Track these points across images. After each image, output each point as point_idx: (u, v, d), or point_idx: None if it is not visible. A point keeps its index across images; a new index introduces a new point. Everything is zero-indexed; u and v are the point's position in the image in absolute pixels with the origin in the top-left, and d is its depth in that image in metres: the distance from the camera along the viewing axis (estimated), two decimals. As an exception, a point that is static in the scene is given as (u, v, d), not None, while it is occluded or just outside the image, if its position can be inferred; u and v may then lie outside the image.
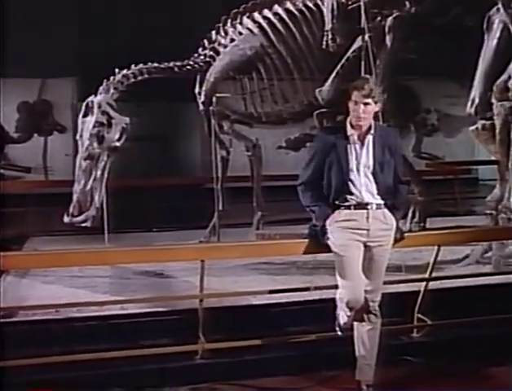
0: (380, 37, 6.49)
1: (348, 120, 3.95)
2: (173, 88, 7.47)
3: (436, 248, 4.58)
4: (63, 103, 12.06)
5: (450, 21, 6.79)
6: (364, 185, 3.92)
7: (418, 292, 4.75)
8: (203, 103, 6.76)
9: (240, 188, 7.40)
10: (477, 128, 5.99)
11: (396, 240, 4.07)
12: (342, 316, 4.05)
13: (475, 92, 5.96)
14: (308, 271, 5.75)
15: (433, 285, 4.86)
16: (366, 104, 3.85)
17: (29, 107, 11.83)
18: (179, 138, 12.48)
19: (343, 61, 6.38)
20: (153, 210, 8.68)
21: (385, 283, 4.09)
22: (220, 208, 7.10)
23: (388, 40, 6.49)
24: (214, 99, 6.60)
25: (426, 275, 4.73)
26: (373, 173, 3.92)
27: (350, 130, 3.94)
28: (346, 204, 3.91)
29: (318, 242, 4.04)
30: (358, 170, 3.92)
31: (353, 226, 3.91)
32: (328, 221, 3.94)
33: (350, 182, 3.90)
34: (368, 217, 3.90)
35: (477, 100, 5.93)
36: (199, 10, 11.30)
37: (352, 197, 3.92)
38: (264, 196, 7.33)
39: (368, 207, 3.91)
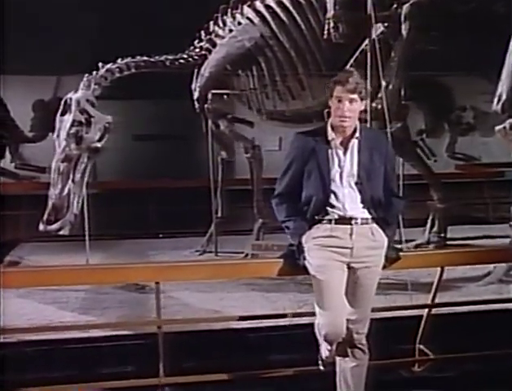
0: (396, 27, 5.95)
1: (329, 121, 3.39)
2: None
3: (439, 270, 3.90)
4: (78, 101, 11.70)
5: (476, 8, 6.18)
6: (347, 196, 3.36)
7: (421, 316, 4.09)
8: (197, 100, 6.21)
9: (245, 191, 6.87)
10: (504, 127, 5.37)
11: (389, 260, 3.49)
12: (324, 349, 3.48)
13: (502, 87, 5.37)
14: (306, 288, 5.13)
15: (440, 309, 4.19)
16: (351, 101, 3.31)
17: (44, 105, 11.47)
18: (196, 139, 12.00)
19: (357, 54, 5.77)
20: (157, 214, 8.20)
21: (373, 310, 3.46)
22: (219, 214, 6.59)
23: (404, 29, 5.92)
24: (209, 96, 6.05)
25: (429, 299, 4.05)
26: (359, 183, 3.34)
27: (331, 134, 3.37)
28: (327, 218, 3.34)
29: (294, 262, 3.47)
30: (341, 179, 3.36)
31: (334, 244, 3.34)
32: (304, 238, 3.36)
33: (331, 194, 3.34)
34: (351, 234, 3.33)
35: (504, 96, 5.34)
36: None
37: (334, 210, 3.35)
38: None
39: (352, 222, 3.33)
